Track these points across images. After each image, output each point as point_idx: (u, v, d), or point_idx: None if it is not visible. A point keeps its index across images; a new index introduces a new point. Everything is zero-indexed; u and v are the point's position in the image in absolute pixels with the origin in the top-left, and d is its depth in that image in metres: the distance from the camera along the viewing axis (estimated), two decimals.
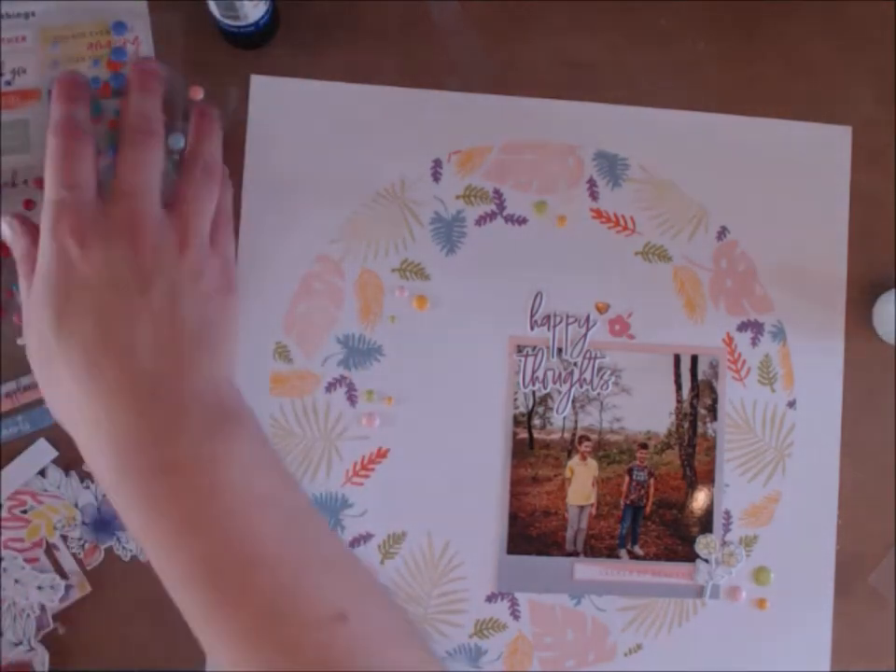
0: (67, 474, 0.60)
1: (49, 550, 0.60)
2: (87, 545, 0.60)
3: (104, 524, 0.60)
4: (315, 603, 0.48)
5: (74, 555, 0.60)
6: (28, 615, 0.59)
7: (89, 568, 0.60)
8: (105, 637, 0.60)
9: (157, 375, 0.48)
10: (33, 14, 0.62)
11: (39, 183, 0.59)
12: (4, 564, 0.59)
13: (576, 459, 0.63)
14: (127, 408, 0.47)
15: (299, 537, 0.50)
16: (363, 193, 0.63)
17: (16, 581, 0.59)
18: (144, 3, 0.62)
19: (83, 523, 0.60)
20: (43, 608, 0.59)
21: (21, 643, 0.59)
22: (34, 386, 0.58)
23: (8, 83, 0.61)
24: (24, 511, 0.59)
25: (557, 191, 0.64)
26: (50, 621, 0.59)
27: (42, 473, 0.59)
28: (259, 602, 0.47)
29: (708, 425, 0.64)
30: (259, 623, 0.46)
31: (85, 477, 0.60)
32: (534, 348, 0.63)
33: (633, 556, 0.63)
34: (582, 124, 0.64)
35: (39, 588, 0.59)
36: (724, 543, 0.64)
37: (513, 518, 0.63)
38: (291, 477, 0.53)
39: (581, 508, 0.63)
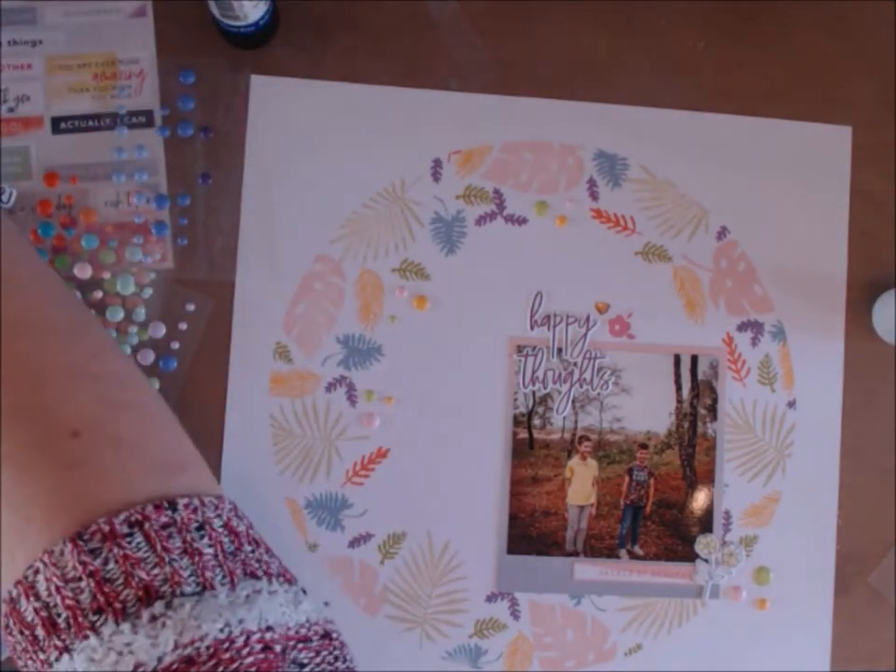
0: None
1: None
2: None
3: None
4: None
5: None
6: None
7: None
8: None
9: None
10: (40, 42, 0.62)
11: (43, 208, 0.61)
12: None
13: (576, 459, 0.63)
14: None
15: None
16: (363, 193, 0.63)
17: None
18: (151, 36, 0.62)
19: None
20: None
21: None
22: None
23: (11, 110, 0.61)
24: None
25: (557, 191, 0.64)
26: None
27: None
28: None
29: (708, 425, 0.64)
30: None
31: None
32: (534, 348, 0.63)
33: (633, 556, 0.63)
34: (582, 124, 0.65)
35: None
36: (724, 543, 0.64)
37: (513, 518, 0.63)
38: None
39: (581, 508, 0.63)
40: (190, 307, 0.61)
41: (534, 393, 0.63)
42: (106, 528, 0.43)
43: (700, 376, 0.64)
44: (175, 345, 0.61)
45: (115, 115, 0.61)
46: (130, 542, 0.43)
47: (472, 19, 0.64)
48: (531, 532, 0.63)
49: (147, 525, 0.43)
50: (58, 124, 0.61)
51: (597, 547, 0.63)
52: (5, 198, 0.60)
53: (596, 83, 0.65)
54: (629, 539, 0.63)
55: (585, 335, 0.64)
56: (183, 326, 0.61)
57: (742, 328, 0.65)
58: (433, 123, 0.64)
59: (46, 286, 0.51)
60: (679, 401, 0.64)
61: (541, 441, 0.63)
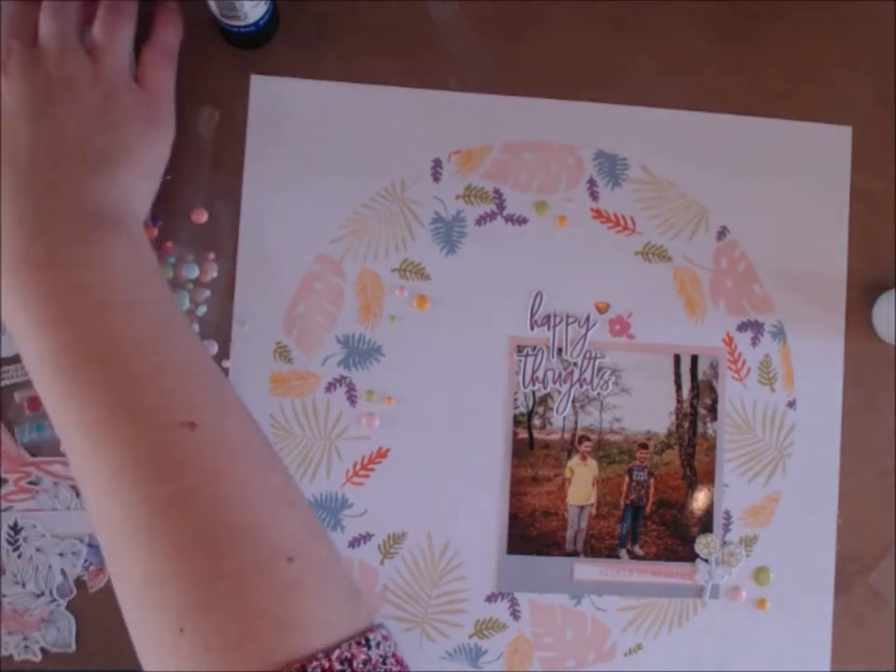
0: (79, 495, 0.60)
1: None
2: (91, 567, 0.60)
3: None
4: (165, 406, 0.49)
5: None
6: (50, 567, 0.59)
7: (92, 591, 0.60)
8: (108, 639, 0.60)
9: (38, 180, 0.52)
10: None
11: None
12: (23, 533, 0.59)
13: (576, 459, 0.63)
14: (7, 203, 0.51)
15: (161, 342, 0.51)
16: (363, 193, 0.63)
17: (37, 550, 0.59)
18: None
19: (89, 545, 0.60)
20: (64, 574, 0.60)
21: (42, 594, 0.59)
22: None
23: None
24: (32, 483, 0.60)
25: (557, 191, 0.64)
26: (73, 587, 0.60)
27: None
28: (107, 397, 0.48)
29: (708, 425, 0.64)
30: (105, 416, 0.48)
31: None
32: (534, 348, 0.63)
33: (633, 556, 0.63)
34: (582, 124, 0.65)
35: (60, 555, 0.60)
36: (724, 543, 0.64)
37: (513, 518, 0.63)
38: (165, 288, 0.54)
39: (581, 508, 0.63)
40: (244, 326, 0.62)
41: (534, 393, 0.63)
42: (326, 664, 0.46)
43: (700, 376, 0.64)
44: (227, 364, 0.61)
45: None
46: None
47: (472, 19, 0.64)
48: (531, 532, 0.63)
49: (354, 663, 0.47)
50: None
51: (597, 547, 0.63)
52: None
53: (596, 83, 0.65)
54: (629, 539, 0.63)
55: (585, 335, 0.64)
56: (237, 346, 0.62)
57: (742, 328, 0.65)
58: (433, 123, 0.64)
59: (244, 409, 0.54)
60: (679, 401, 0.64)
61: (541, 441, 0.63)
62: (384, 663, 0.49)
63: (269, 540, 0.49)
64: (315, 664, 0.46)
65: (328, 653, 0.46)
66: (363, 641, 0.48)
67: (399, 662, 0.50)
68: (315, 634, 0.47)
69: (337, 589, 0.51)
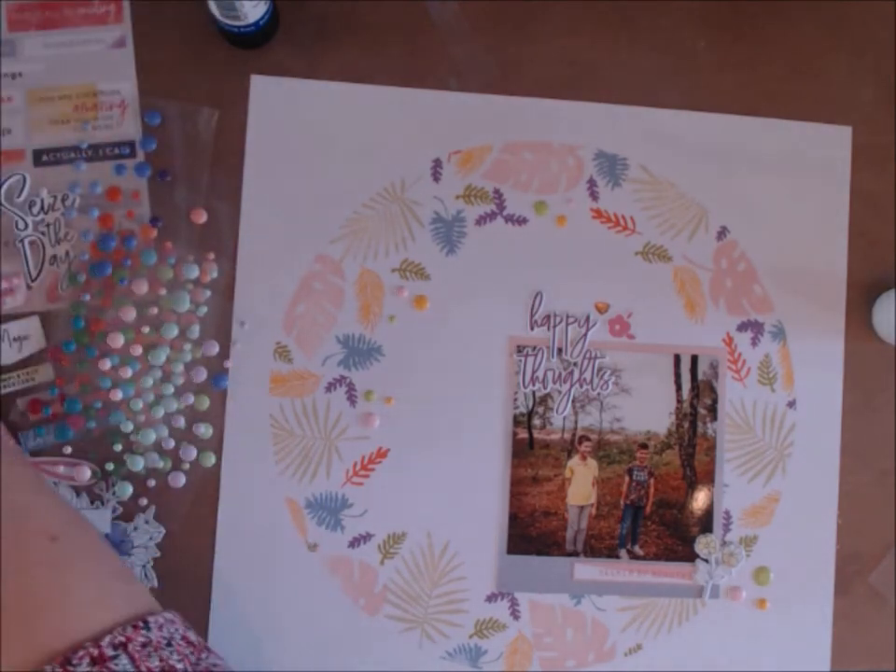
0: (78, 495, 0.59)
1: None
2: None
3: (115, 545, 0.60)
4: None
5: None
6: None
7: None
8: None
9: None
10: (20, 75, 0.62)
11: (104, 222, 0.61)
12: None
13: (576, 459, 0.63)
14: None
15: None
16: (363, 193, 0.63)
17: None
18: (131, 66, 0.62)
19: None
20: None
21: None
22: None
23: None
24: None
25: (557, 191, 0.64)
26: None
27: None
28: None
29: (708, 425, 0.64)
30: None
31: (95, 499, 0.60)
32: (534, 348, 0.63)
33: (633, 556, 0.63)
34: (582, 124, 0.65)
35: None
36: (724, 543, 0.64)
37: (513, 518, 0.63)
38: None
39: (581, 508, 0.63)
40: (245, 326, 0.62)
41: (534, 393, 0.63)
42: (95, 652, 0.44)
43: (700, 376, 0.64)
44: (228, 364, 0.61)
45: (97, 146, 0.61)
46: (116, 665, 0.44)
47: (472, 19, 0.64)
48: (531, 532, 0.63)
49: (130, 647, 0.45)
50: (39, 156, 0.61)
51: (597, 547, 0.63)
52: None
53: (596, 83, 0.65)
54: (629, 539, 0.63)
55: (585, 335, 0.64)
56: (237, 346, 0.62)
57: (742, 328, 0.65)
58: (433, 123, 0.64)
59: None
60: (679, 401, 0.64)
61: (541, 440, 0.63)
62: (168, 644, 0.46)
63: (30, 521, 0.49)
64: (81, 653, 0.44)
65: (96, 640, 0.44)
66: (141, 624, 0.46)
67: (190, 643, 0.48)
68: (86, 612, 0.46)
69: (104, 568, 0.50)
